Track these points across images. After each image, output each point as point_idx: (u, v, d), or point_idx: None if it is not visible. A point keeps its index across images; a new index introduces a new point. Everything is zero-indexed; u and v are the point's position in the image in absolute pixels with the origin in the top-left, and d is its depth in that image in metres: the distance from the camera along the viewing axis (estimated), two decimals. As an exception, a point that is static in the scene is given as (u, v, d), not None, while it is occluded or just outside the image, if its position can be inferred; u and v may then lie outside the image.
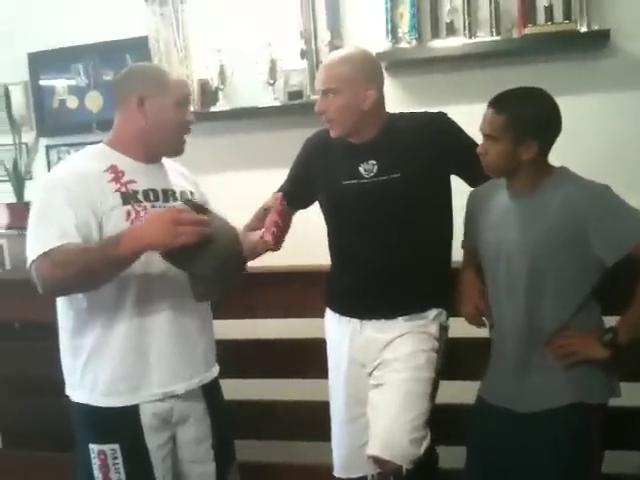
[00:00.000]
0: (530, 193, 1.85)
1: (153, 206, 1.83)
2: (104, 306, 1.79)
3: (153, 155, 1.90)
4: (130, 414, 1.82)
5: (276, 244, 1.95)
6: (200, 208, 1.73)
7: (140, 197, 1.82)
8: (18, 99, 3.49)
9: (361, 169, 2.03)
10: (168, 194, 1.90)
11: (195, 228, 1.63)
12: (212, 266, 1.68)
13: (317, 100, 2.06)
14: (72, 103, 3.52)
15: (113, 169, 1.81)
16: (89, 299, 1.79)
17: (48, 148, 3.50)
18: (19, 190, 2.87)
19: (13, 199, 2.91)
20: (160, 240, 1.63)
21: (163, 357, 1.84)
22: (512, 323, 1.88)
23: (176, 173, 2.00)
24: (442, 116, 2.08)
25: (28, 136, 3.27)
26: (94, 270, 1.66)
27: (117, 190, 1.79)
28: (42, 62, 3.52)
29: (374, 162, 2.02)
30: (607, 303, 1.88)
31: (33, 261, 1.69)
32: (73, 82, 3.52)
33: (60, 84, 3.53)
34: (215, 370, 2.03)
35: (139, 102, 1.82)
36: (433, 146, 2.00)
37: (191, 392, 1.91)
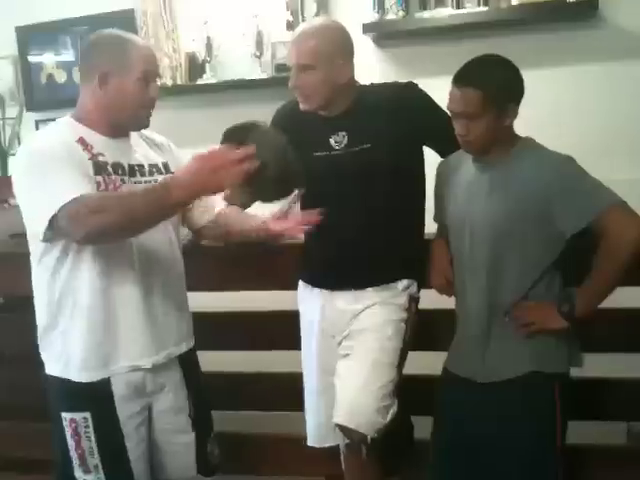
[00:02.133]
0: (496, 163, 1.82)
1: (122, 180, 1.82)
2: (74, 282, 1.80)
3: (118, 129, 1.87)
4: (102, 384, 1.84)
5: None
6: (241, 134, 1.70)
7: (109, 169, 1.81)
8: (6, 73, 3.51)
9: (331, 141, 2.02)
10: (135, 169, 1.87)
11: (241, 167, 1.63)
12: (272, 189, 1.75)
13: (291, 75, 2.02)
14: (60, 77, 3.52)
15: (82, 141, 1.79)
16: (59, 274, 1.80)
17: (38, 123, 3.53)
18: (3, 164, 2.88)
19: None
20: (210, 188, 1.67)
21: (132, 331, 1.84)
22: (474, 294, 1.87)
23: (147, 144, 1.97)
24: (411, 86, 2.05)
25: (16, 110, 3.28)
26: (138, 217, 1.67)
27: (90, 159, 1.77)
28: (30, 36, 3.52)
29: (344, 133, 2.01)
30: (571, 274, 1.86)
31: (55, 215, 1.64)
32: (61, 56, 3.52)
33: (48, 58, 3.53)
34: (190, 342, 2.03)
35: (101, 79, 1.78)
36: (403, 116, 1.98)
37: (164, 364, 1.91)
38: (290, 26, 3.20)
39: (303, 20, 3.19)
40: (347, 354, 2.04)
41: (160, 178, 1.92)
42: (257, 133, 1.75)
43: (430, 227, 2.14)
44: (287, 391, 2.41)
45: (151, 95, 1.85)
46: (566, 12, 2.92)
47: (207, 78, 3.31)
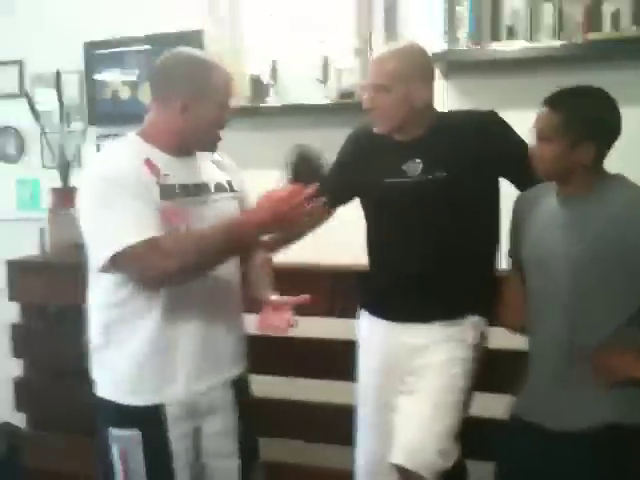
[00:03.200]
0: (582, 200, 1.74)
1: (189, 201, 1.79)
2: (134, 306, 1.76)
3: (186, 150, 1.86)
4: (155, 407, 1.79)
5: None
6: (302, 166, 1.77)
7: (177, 191, 1.78)
8: (72, 88, 3.52)
9: (405, 167, 1.96)
10: (202, 188, 1.85)
11: (308, 206, 1.69)
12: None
13: (366, 95, 1.98)
14: (125, 93, 3.53)
15: (148, 163, 1.76)
16: (119, 298, 1.76)
17: (99, 137, 3.53)
18: (64, 176, 2.88)
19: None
20: (279, 227, 1.74)
21: (189, 358, 1.80)
22: (552, 337, 1.77)
23: (211, 163, 1.95)
24: (492, 115, 1.99)
25: (80, 124, 3.31)
26: (212, 257, 1.71)
27: (156, 183, 1.74)
28: (97, 52, 3.52)
29: (419, 160, 1.95)
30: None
31: (119, 253, 1.63)
32: (126, 73, 3.52)
33: (114, 74, 3.53)
34: (244, 365, 1.98)
35: (183, 108, 1.76)
36: (482, 146, 1.91)
37: (218, 387, 1.87)
38: (357, 53, 3.16)
39: (371, 48, 3.15)
40: (409, 391, 1.96)
41: (225, 196, 1.91)
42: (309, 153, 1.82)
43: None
44: (334, 423, 2.35)
45: (227, 119, 1.84)
46: (645, 49, 2.83)
47: (270, 101, 3.27)
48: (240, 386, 1.95)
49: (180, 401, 1.80)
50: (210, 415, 1.87)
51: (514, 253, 1.97)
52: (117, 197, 1.66)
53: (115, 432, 1.81)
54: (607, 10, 2.89)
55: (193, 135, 1.81)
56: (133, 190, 1.68)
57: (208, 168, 1.92)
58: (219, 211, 1.86)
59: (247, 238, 1.72)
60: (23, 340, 2.74)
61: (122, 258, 1.64)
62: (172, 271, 1.65)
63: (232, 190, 1.94)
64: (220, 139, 1.87)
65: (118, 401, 1.81)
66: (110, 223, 1.66)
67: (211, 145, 1.88)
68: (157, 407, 1.79)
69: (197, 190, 1.83)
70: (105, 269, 1.69)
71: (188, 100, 1.76)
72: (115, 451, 1.81)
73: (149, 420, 1.79)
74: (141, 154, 1.77)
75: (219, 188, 1.90)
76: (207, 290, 1.82)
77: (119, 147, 1.84)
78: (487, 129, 1.95)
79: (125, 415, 1.81)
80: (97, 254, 1.68)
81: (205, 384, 1.83)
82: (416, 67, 1.94)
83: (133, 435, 1.78)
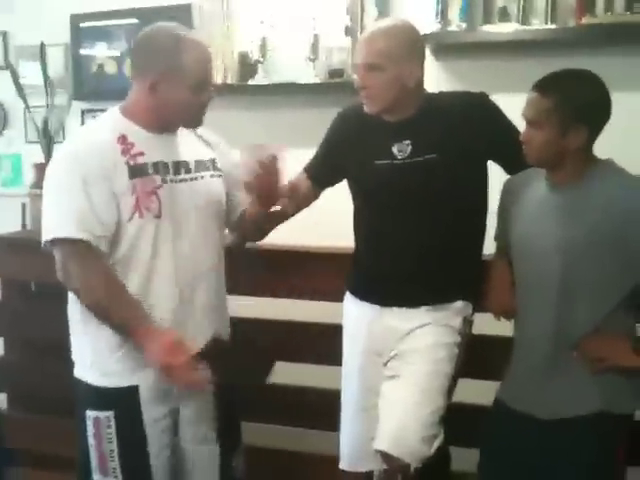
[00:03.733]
0: (572, 185, 1.72)
1: (163, 180, 1.77)
2: None
3: (166, 127, 1.83)
4: (129, 388, 1.79)
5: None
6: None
7: (149, 170, 1.76)
8: (58, 61, 3.46)
9: (394, 149, 1.93)
10: (180, 166, 1.83)
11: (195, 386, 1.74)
12: None
13: (358, 74, 1.93)
14: (111, 68, 3.46)
15: (123, 140, 1.75)
16: None
17: (84, 112, 3.48)
18: (48, 150, 2.83)
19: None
20: (161, 370, 1.71)
21: None
22: (540, 324, 1.76)
23: (194, 140, 1.92)
24: (483, 97, 1.96)
25: (65, 98, 3.25)
26: (104, 316, 1.72)
27: (126, 163, 1.73)
28: (84, 25, 3.45)
29: (408, 142, 1.91)
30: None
31: (53, 243, 1.71)
32: (113, 47, 3.46)
33: (100, 48, 3.47)
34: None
35: (151, 86, 1.73)
36: (472, 128, 1.88)
37: None
38: (348, 31, 3.11)
39: (362, 26, 3.10)
40: (394, 376, 1.94)
41: (207, 174, 1.88)
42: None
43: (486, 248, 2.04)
44: (318, 407, 2.34)
45: (202, 101, 1.79)
46: (639, 35, 2.80)
47: (259, 79, 3.22)
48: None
49: (153, 385, 1.79)
50: (186, 399, 1.85)
51: (501, 238, 1.96)
52: (72, 183, 1.67)
53: (91, 413, 1.80)
54: (601, -7, 2.86)
55: (166, 114, 1.78)
56: (94, 174, 1.67)
57: (190, 145, 1.89)
58: (197, 190, 1.84)
59: (133, 338, 1.71)
60: (4, 318, 2.71)
61: (55, 244, 1.70)
62: (74, 288, 1.73)
63: (215, 168, 1.92)
64: (202, 116, 1.83)
65: (94, 383, 1.80)
66: (58, 208, 1.70)
67: (191, 124, 1.85)
68: (131, 389, 1.78)
69: (176, 168, 1.81)
70: (45, 248, 1.74)
71: (157, 79, 1.72)
72: (90, 432, 1.80)
73: (123, 402, 1.79)
74: (117, 130, 1.75)
75: (200, 166, 1.88)
76: (185, 275, 1.80)
77: (96, 124, 1.84)
78: (477, 112, 1.92)
79: (100, 397, 1.81)
80: (43, 232, 1.74)
81: None
82: (407, 46, 1.90)
83: (107, 417, 1.78)
